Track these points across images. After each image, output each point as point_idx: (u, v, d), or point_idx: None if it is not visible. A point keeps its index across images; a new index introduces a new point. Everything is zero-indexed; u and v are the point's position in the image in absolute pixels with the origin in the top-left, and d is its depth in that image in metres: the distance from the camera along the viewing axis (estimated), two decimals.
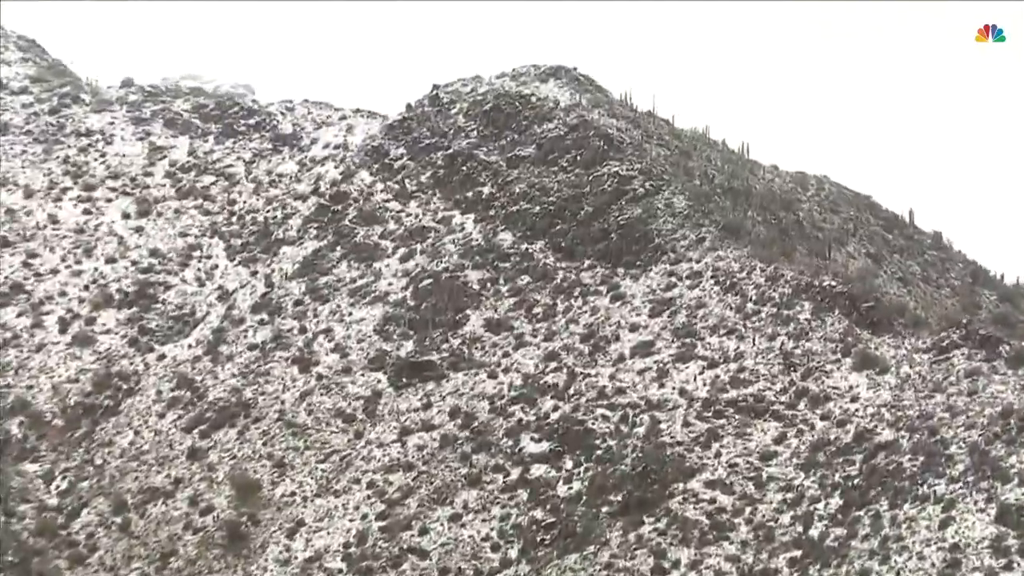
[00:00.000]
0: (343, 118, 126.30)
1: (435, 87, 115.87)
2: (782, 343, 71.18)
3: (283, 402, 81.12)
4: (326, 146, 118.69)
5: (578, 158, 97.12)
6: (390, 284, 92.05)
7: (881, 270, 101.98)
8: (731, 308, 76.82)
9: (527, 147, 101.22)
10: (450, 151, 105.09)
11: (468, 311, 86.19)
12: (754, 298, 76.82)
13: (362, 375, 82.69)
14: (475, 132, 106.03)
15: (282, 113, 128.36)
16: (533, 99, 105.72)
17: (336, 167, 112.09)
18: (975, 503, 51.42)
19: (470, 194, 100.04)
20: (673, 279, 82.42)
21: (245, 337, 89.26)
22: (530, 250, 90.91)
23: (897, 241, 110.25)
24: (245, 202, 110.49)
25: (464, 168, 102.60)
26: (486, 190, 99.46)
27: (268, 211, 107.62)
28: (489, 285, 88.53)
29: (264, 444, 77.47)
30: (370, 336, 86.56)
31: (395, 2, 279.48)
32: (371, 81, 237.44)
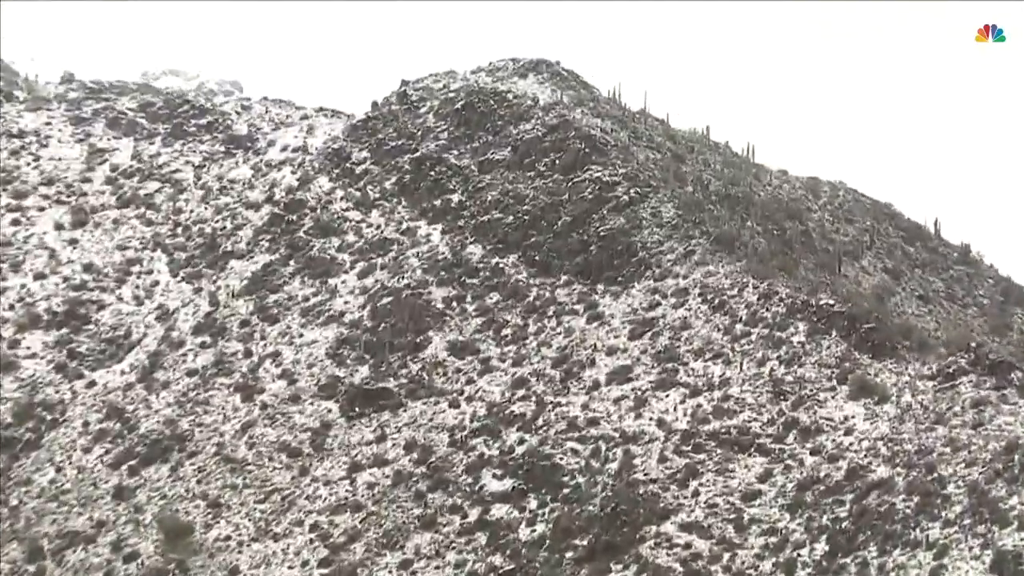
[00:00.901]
0: (304, 118, 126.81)
1: (404, 83, 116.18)
2: (772, 369, 70.97)
3: (222, 435, 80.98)
4: (284, 149, 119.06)
5: (556, 162, 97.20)
6: (346, 303, 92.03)
7: (899, 287, 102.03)
8: (718, 329, 76.65)
9: (501, 150, 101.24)
10: (417, 155, 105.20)
11: (430, 332, 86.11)
12: (744, 318, 76.65)
13: (311, 404, 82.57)
14: (445, 133, 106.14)
15: (237, 112, 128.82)
16: (510, 96, 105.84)
17: (293, 172, 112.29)
18: (970, 549, 50.99)
19: (438, 202, 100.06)
20: (657, 297, 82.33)
21: (184, 362, 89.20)
22: (501, 265, 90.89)
23: (920, 254, 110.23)
24: (192, 211, 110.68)
25: (432, 173, 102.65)
26: (455, 198, 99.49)
27: (217, 221, 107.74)
28: (455, 304, 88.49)
29: (199, 482, 77.26)
30: (322, 360, 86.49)
31: (387, 1, 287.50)
32: (351, 78, 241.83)
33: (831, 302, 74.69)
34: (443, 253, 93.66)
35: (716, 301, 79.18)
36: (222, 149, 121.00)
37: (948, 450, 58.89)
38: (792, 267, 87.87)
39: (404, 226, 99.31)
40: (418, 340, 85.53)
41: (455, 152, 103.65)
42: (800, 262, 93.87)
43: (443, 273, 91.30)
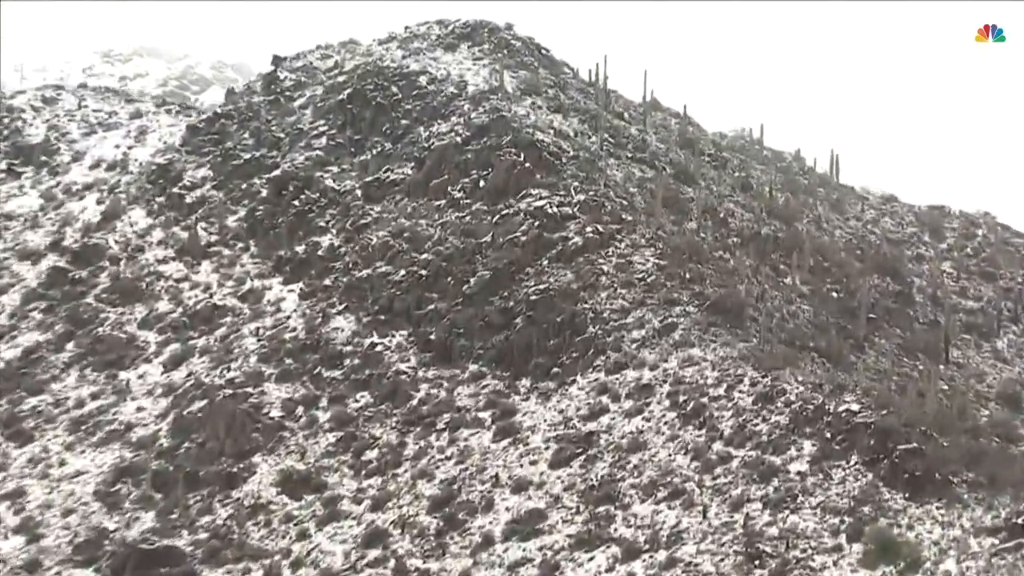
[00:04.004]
0: (136, 116, 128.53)
1: (276, 61, 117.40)
2: (749, 515, 69.61)
3: None
4: (96, 165, 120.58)
5: (481, 184, 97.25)
6: (139, 410, 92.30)
7: None
8: (685, 452, 75.65)
9: (401, 164, 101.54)
10: (278, 173, 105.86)
11: (257, 457, 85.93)
12: (727, 434, 75.60)
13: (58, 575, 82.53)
14: (323, 139, 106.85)
15: (35, 108, 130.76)
16: (423, 80, 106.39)
17: (100, 202, 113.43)
18: None
19: (300, 248, 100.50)
20: (605, 399, 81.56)
21: None
22: (379, 347, 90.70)
23: None
24: None
25: (296, 202, 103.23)
26: (326, 241, 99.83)
27: None
28: (300, 410, 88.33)
29: None
30: (86, 503, 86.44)
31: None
32: None
33: (854, 409, 73.26)
34: (295, 329, 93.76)
35: (691, 406, 78.27)
36: (2, 167, 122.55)
37: None
38: (840, 352, 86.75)
39: (247, 286, 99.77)
40: (235, 469, 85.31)
41: (334, 169, 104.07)
42: (871, 340, 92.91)
43: (289, 361, 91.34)
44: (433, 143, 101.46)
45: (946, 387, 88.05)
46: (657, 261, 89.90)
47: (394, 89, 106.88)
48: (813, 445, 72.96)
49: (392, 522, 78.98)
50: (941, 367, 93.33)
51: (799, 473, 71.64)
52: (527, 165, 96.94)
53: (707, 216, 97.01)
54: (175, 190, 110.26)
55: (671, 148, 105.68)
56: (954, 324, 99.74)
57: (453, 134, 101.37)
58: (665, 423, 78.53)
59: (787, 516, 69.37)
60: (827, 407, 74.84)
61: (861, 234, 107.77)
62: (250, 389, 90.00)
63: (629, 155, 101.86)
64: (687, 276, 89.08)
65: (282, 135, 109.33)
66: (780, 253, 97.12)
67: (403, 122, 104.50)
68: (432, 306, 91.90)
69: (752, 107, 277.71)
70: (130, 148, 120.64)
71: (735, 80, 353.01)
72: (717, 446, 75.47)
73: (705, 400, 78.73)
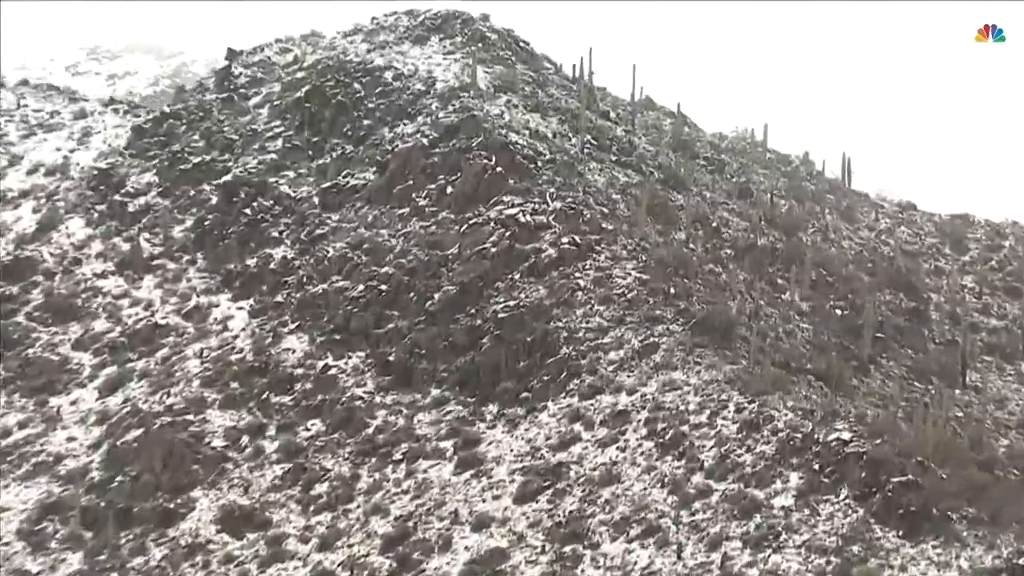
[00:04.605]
0: (80, 116, 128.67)
1: (231, 55, 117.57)
2: (727, 555, 69.48)
3: None
4: (34, 169, 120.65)
5: (448, 190, 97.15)
6: (70, 439, 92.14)
7: None
8: (662, 485, 75.47)
9: (362, 169, 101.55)
10: (228, 178, 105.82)
11: (196, 491, 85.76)
12: (708, 465, 75.48)
13: None
14: (279, 140, 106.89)
15: None
16: (388, 76, 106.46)
17: (36, 211, 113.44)
18: None
19: (252, 261, 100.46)
20: (577, 427, 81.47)
21: None
22: (333, 369, 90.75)
23: None
24: None
25: (248, 211, 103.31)
26: (279, 253, 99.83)
27: None
28: (244, 440, 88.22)
29: None
30: (9, 543, 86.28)
31: None
32: None
33: (845, 437, 73.11)
34: (242, 350, 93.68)
35: (670, 435, 78.13)
36: None
37: None
38: (841, 374, 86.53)
39: (192, 303, 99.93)
40: (172, 504, 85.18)
41: (290, 173, 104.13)
42: (878, 362, 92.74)
43: (235, 385, 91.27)
44: (397, 145, 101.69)
45: (960, 414, 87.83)
46: (639, 275, 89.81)
47: (356, 86, 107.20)
48: (800, 477, 72.75)
49: (341, 563, 78.84)
50: (956, 392, 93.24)
51: (783, 508, 71.40)
52: (499, 170, 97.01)
53: (698, 225, 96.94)
54: (117, 197, 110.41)
55: (662, 150, 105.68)
56: (974, 344, 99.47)
57: (419, 135, 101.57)
58: (641, 453, 78.38)
59: (769, 556, 69.16)
60: (816, 436, 74.67)
61: (873, 245, 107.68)
62: (191, 416, 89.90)
63: (613, 158, 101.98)
64: (672, 292, 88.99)
65: (235, 137, 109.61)
66: (779, 266, 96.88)
67: (365, 122, 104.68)
68: (392, 324, 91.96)
69: (756, 106, 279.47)
70: (72, 151, 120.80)
71: (739, 78, 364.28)
72: (696, 478, 75.29)
73: (685, 428, 78.62)
